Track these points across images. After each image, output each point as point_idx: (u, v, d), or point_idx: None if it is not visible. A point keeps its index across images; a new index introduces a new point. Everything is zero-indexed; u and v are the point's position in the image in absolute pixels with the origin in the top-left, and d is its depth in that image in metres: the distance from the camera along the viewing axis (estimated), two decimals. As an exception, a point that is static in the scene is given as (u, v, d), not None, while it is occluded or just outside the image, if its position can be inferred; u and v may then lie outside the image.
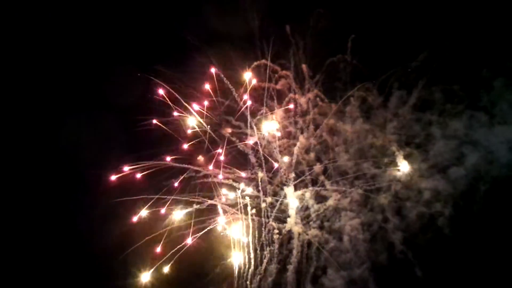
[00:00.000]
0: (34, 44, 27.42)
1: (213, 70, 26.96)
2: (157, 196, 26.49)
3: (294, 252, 25.72)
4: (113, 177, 26.01)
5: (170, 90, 27.12)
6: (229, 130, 27.41)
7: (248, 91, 25.91)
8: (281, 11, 27.18)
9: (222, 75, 26.37)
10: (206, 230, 26.30)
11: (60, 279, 26.26)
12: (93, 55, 27.75)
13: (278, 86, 26.93)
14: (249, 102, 26.11)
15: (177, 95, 26.97)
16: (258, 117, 26.42)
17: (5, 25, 26.67)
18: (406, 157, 25.16)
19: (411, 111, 25.44)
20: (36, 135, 27.30)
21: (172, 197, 26.74)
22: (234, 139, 26.61)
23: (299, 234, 25.92)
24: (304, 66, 26.15)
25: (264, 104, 26.03)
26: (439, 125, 25.10)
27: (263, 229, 26.29)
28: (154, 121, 27.14)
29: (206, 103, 27.38)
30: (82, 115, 27.00)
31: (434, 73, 25.13)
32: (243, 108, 26.26)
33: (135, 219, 26.15)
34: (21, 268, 25.98)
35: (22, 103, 27.28)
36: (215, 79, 27.69)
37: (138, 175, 26.33)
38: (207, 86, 27.31)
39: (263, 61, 26.01)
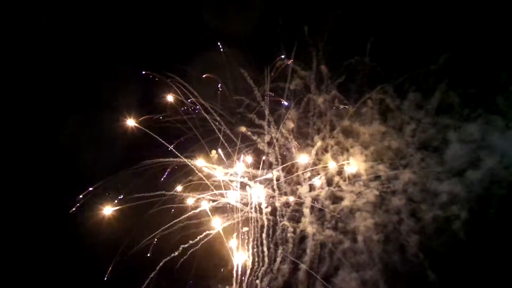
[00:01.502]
0: (45, 43, 27.39)
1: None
2: (170, 193, 26.54)
3: (308, 251, 25.72)
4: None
5: (186, 86, 27.17)
6: (244, 128, 27.37)
7: (267, 88, 26.00)
8: (299, 11, 27.29)
9: (246, 74, 26.34)
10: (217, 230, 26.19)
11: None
12: (99, 52, 27.76)
13: (296, 87, 26.95)
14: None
15: (194, 93, 26.97)
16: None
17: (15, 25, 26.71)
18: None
19: (429, 114, 25.49)
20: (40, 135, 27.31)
21: (184, 194, 26.74)
22: (255, 137, 26.61)
23: (314, 234, 25.95)
24: (323, 67, 26.19)
25: (284, 102, 26.10)
26: (456, 129, 25.22)
27: (277, 228, 26.32)
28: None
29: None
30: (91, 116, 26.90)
31: (452, 77, 25.24)
32: (260, 105, 26.36)
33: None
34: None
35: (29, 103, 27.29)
36: (228, 76, 27.92)
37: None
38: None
39: (283, 61, 26.07)
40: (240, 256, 26.03)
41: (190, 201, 26.39)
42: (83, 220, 25.87)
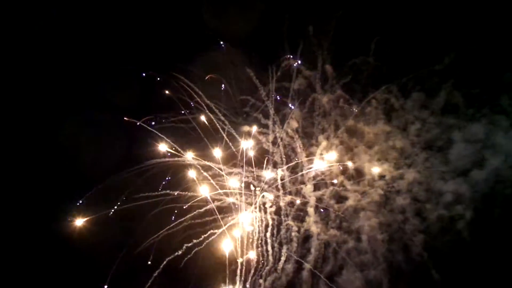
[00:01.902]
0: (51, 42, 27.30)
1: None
2: (175, 193, 26.53)
3: (312, 250, 25.75)
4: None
5: (191, 86, 27.14)
6: (248, 128, 27.37)
7: (273, 88, 26.03)
8: (303, 11, 27.28)
9: (252, 73, 26.34)
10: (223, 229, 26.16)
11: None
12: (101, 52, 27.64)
13: (300, 86, 26.97)
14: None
15: (199, 92, 26.98)
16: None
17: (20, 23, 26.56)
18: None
19: (433, 114, 25.56)
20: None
21: (190, 193, 26.72)
22: (260, 137, 26.62)
23: (318, 233, 25.97)
24: (328, 67, 26.22)
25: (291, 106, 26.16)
26: (460, 129, 25.28)
27: (281, 227, 26.34)
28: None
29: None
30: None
31: (457, 77, 25.31)
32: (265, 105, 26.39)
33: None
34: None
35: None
36: (232, 76, 27.91)
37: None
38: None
39: (289, 61, 26.12)
40: (244, 255, 26.02)
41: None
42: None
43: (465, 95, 25.45)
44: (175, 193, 25.99)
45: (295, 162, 25.88)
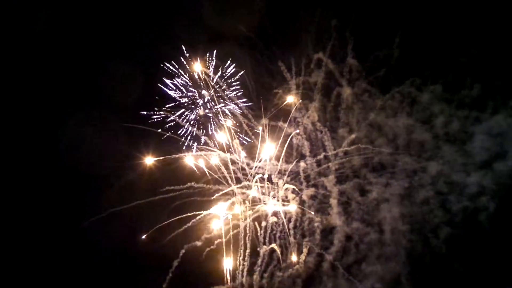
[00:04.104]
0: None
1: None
2: (198, 185, 26.78)
3: (336, 242, 26.03)
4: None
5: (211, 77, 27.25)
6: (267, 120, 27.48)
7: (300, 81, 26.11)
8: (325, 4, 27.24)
9: (284, 66, 26.40)
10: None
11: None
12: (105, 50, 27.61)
13: (323, 80, 27.07)
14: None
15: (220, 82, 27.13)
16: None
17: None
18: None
19: (456, 106, 25.70)
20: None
21: (212, 186, 26.96)
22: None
23: (340, 226, 26.26)
24: (352, 60, 26.27)
25: (317, 96, 26.29)
26: (481, 121, 25.39)
27: (304, 219, 26.64)
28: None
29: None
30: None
31: (479, 69, 25.37)
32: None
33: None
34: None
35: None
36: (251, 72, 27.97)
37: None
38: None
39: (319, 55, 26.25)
40: (267, 247, 26.35)
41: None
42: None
43: (487, 88, 25.46)
44: (205, 185, 26.21)
45: (323, 154, 25.99)
